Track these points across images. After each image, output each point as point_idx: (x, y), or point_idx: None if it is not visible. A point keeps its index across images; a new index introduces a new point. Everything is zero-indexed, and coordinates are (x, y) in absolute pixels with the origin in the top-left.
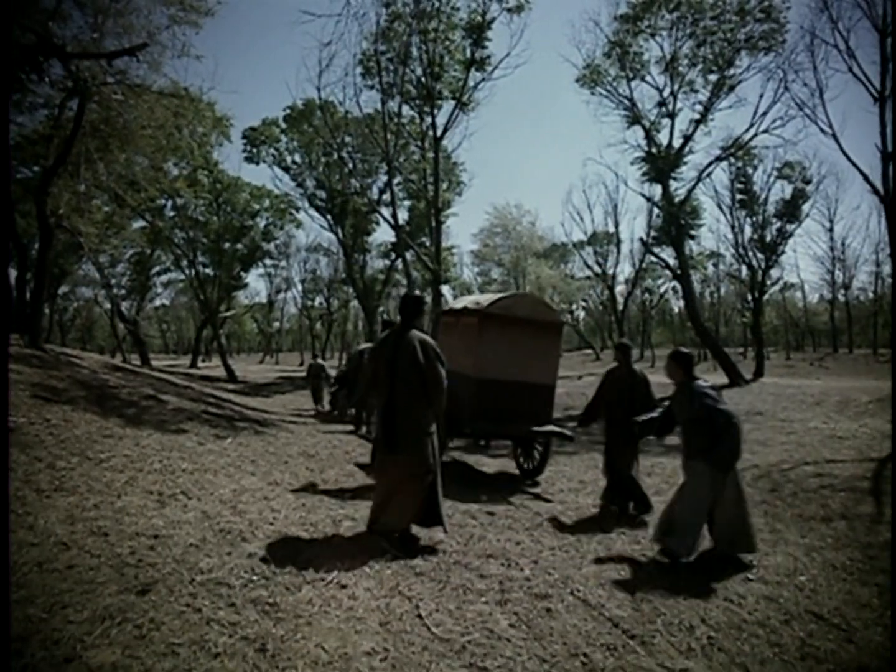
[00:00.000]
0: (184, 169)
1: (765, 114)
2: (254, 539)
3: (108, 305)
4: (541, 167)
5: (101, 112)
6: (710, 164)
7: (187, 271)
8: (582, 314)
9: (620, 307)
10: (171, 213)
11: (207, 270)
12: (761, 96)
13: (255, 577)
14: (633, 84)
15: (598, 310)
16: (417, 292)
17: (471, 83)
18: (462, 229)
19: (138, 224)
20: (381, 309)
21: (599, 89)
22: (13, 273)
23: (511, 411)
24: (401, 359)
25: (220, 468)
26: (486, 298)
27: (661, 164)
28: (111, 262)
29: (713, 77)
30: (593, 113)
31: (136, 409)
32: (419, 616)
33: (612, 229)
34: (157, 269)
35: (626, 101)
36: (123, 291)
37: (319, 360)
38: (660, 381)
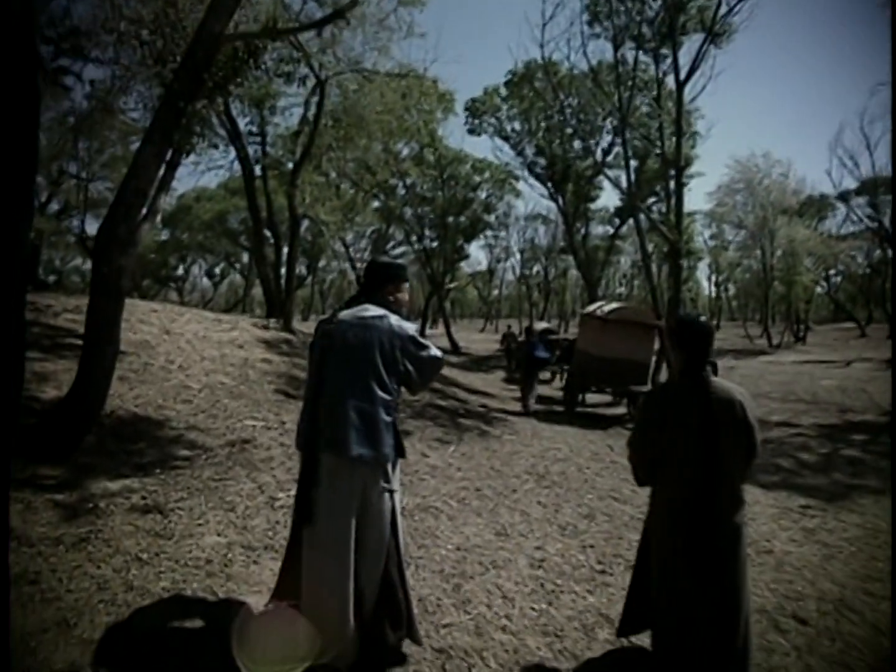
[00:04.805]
0: (413, 148)
1: None
2: (482, 666)
3: (353, 277)
4: (798, 106)
5: (341, 102)
6: None
7: (416, 245)
8: (838, 279)
9: None
10: (402, 192)
11: (433, 244)
12: None
13: None
14: None
15: (864, 274)
16: (703, 317)
17: (724, 7)
18: (695, 188)
19: (375, 204)
20: (603, 280)
21: None
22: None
23: (619, 375)
24: (722, 430)
25: (443, 504)
26: (608, 307)
27: None
28: (354, 238)
29: None
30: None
31: None
32: None
33: None
34: (391, 244)
35: None
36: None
37: (512, 329)
38: None
